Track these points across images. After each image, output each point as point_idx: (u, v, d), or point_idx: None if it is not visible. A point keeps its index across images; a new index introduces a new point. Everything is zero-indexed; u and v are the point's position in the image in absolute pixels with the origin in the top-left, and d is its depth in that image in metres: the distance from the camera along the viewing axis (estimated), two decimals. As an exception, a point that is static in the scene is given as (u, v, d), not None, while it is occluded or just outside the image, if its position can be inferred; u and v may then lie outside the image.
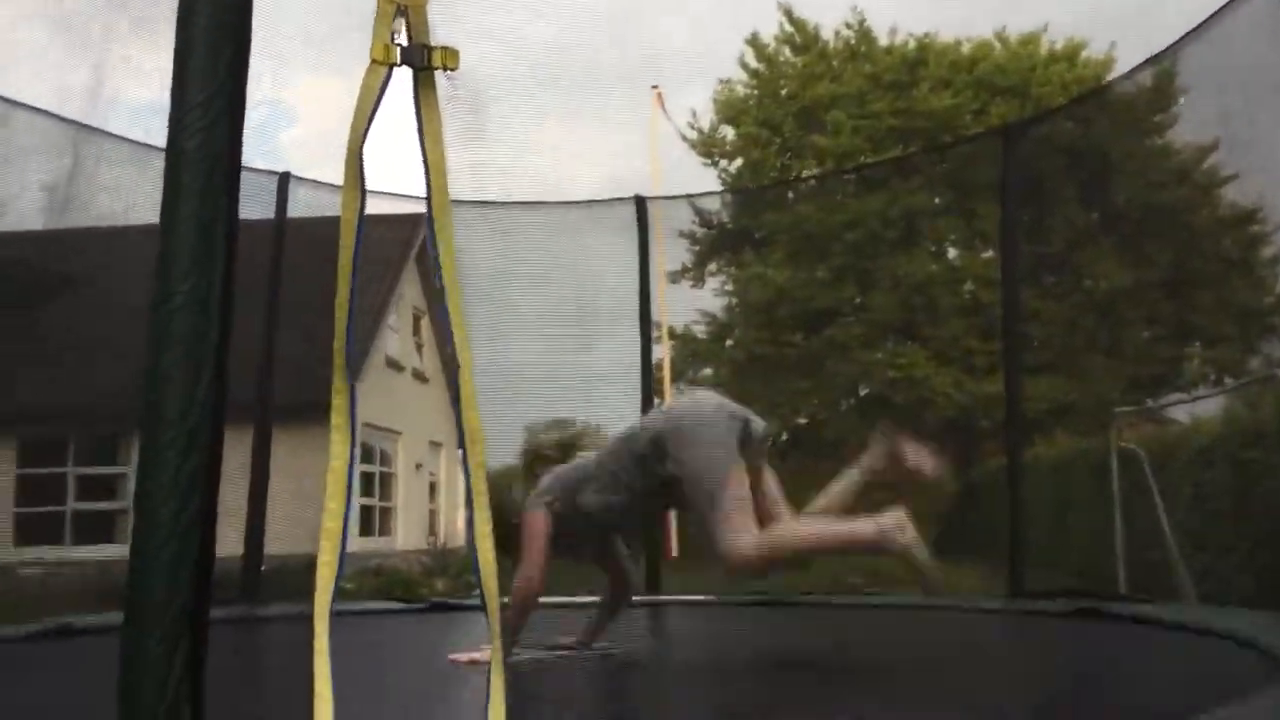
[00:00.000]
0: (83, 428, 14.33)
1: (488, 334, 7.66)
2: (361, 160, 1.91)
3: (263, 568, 7.88)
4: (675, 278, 16.73)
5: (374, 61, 1.89)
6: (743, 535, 3.74)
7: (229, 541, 6.28)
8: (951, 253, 21.83)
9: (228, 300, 1.77)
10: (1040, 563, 8.37)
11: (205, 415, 1.72)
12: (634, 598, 4.79)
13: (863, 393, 21.32)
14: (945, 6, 25.32)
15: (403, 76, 1.97)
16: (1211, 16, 6.04)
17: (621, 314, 8.41)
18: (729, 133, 23.39)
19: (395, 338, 18.64)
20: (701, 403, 4.13)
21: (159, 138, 1.84)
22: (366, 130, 1.91)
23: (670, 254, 11.71)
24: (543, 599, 4.15)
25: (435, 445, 20.96)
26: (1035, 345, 16.81)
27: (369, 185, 1.96)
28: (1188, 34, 6.35)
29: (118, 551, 11.11)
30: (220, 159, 1.80)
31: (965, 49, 22.18)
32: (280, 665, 5.19)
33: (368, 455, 17.22)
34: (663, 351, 9.91)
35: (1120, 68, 15.86)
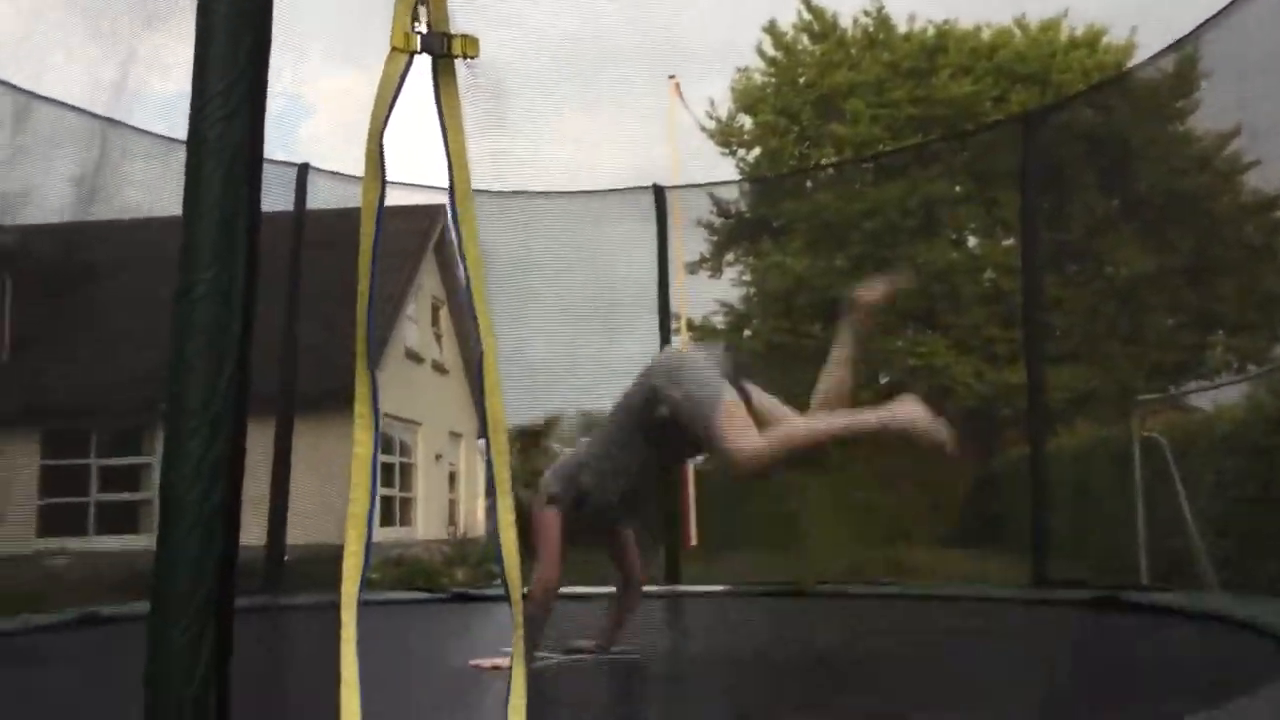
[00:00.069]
0: (105, 419, 14.43)
1: (507, 324, 7.67)
2: (382, 148, 1.91)
3: (285, 557, 7.93)
4: (693, 268, 16.70)
5: (394, 49, 1.89)
6: (744, 436, 3.79)
7: (251, 531, 6.31)
8: (972, 241, 21.72)
9: (250, 290, 1.78)
10: (1062, 552, 8.34)
11: (228, 405, 1.73)
12: (650, 588, 4.77)
13: (883, 381, 21.25)
14: (964, -7, 25.23)
15: (423, 66, 1.97)
16: (1233, 2, 5.99)
17: (640, 304, 8.41)
18: (747, 122, 23.32)
19: (414, 329, 18.68)
20: (683, 350, 4.29)
21: (183, 131, 1.84)
22: (387, 118, 1.91)
23: (688, 244, 11.71)
24: (561, 589, 4.14)
25: (455, 436, 21.02)
26: (1057, 333, 16.73)
27: (388, 175, 1.96)
28: (1209, 20, 6.30)
29: (141, 542, 11.20)
30: (241, 148, 1.80)
31: (985, 36, 22.05)
32: (304, 654, 5.22)
33: (388, 446, 17.27)
34: (681, 342, 9.88)
35: (1141, 54, 15.75)
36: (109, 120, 7.69)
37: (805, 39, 23.35)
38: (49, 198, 8.11)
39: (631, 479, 4.06)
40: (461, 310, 19.94)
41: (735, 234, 21.73)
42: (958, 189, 20.46)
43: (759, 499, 17.94)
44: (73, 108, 7.59)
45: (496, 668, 3.80)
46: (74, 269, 12.72)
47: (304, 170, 8.43)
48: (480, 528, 20.70)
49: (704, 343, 4.18)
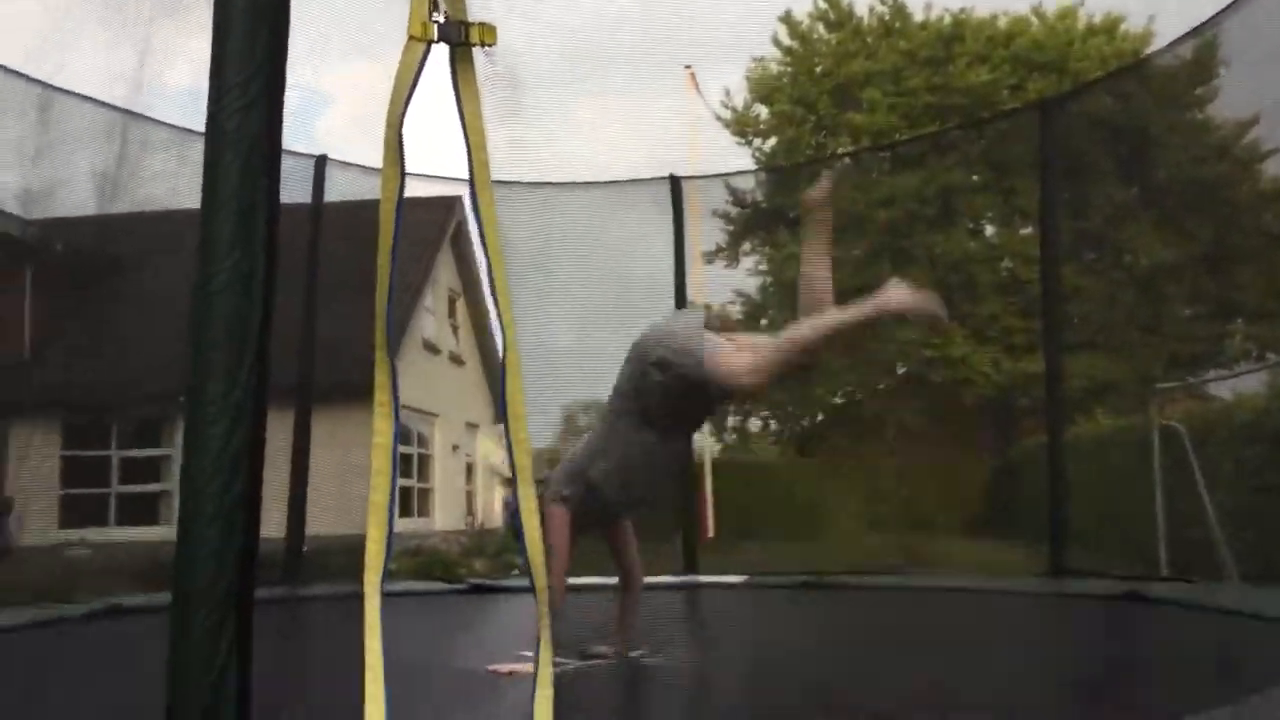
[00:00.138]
0: (126, 411, 14.50)
1: (525, 313, 7.68)
2: (401, 138, 1.91)
3: (304, 549, 7.96)
4: (710, 257, 16.68)
5: (412, 38, 1.89)
6: (737, 357, 3.86)
7: (270, 523, 6.35)
8: (989, 230, 21.62)
9: (269, 281, 1.79)
10: (1081, 541, 8.30)
11: (248, 395, 1.74)
12: (668, 579, 4.76)
13: (900, 372, 21.19)
14: (981, -20, 24.98)
15: (440, 56, 1.97)
16: (1253, -11, 5.95)
17: (657, 294, 8.41)
18: (763, 111, 23.25)
19: (431, 320, 18.71)
20: (660, 321, 4.22)
21: (202, 123, 1.85)
22: (405, 108, 1.91)
23: (705, 234, 11.69)
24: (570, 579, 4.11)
25: (471, 427, 21.06)
26: (1075, 322, 16.64)
27: (408, 167, 1.96)
28: (1228, 6, 6.26)
29: (162, 533, 11.26)
30: (259, 140, 1.81)
31: (1002, 24, 21.91)
32: (324, 644, 5.25)
33: (405, 437, 17.31)
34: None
35: (1159, 42, 15.63)
36: (129, 113, 7.73)
37: (821, 28, 23.25)
38: (71, 191, 8.17)
39: (636, 469, 4.02)
40: (478, 301, 19.97)
41: (751, 224, 21.67)
42: (975, 178, 20.36)
43: (777, 490, 17.95)
44: (95, 101, 7.64)
45: (514, 674, 3.76)
46: (96, 261, 12.78)
47: (322, 162, 8.46)
48: (497, 518, 20.77)
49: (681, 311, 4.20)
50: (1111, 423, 12.93)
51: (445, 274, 19.47)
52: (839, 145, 21.73)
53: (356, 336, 2.42)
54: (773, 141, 22.93)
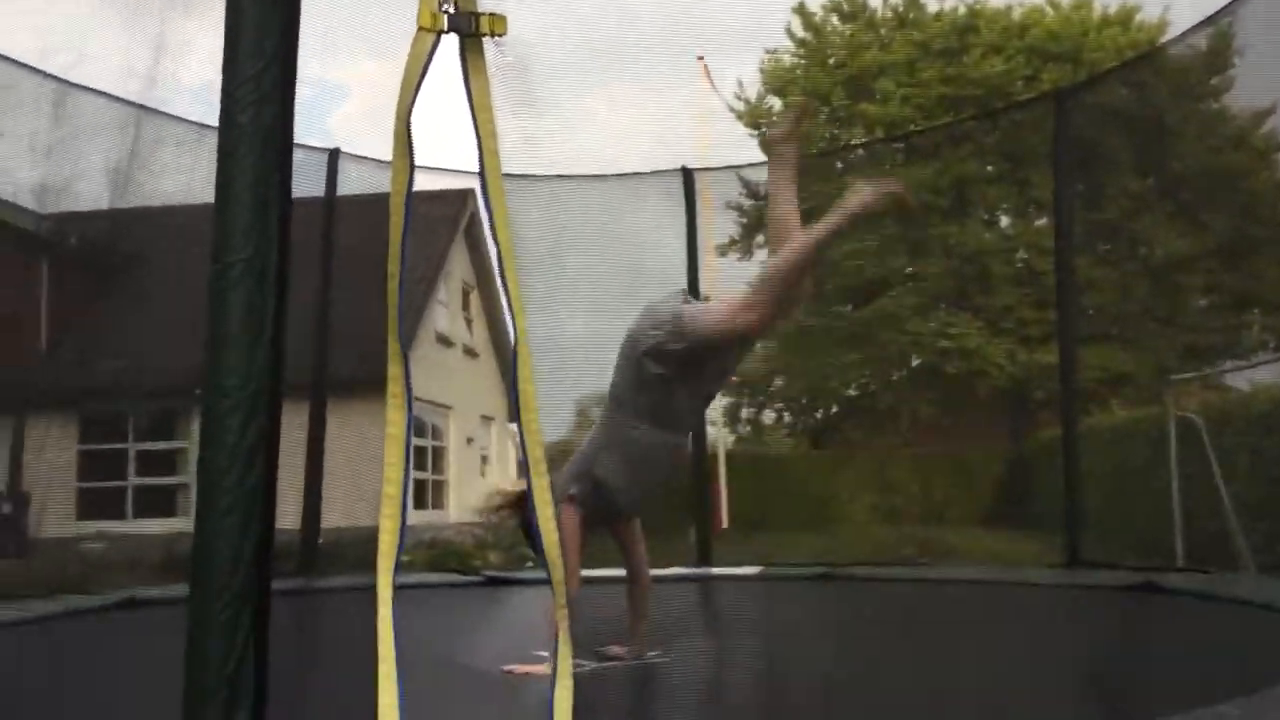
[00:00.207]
0: (142, 404, 14.57)
1: (537, 306, 7.68)
2: (410, 130, 1.92)
3: (320, 540, 8.00)
4: (723, 250, 16.63)
5: (421, 29, 1.89)
6: (722, 306, 3.93)
7: (285, 515, 6.37)
8: (1004, 221, 21.54)
9: (283, 273, 1.80)
10: (1097, 533, 8.29)
11: (263, 386, 1.75)
12: (682, 570, 4.73)
13: (914, 364, 21.15)
14: (995, -29, 24.84)
15: (450, 48, 1.97)
16: (1269, -25, 5.92)
17: (670, 286, 8.36)
18: (776, 103, 23.19)
19: (444, 313, 18.73)
20: (642, 313, 4.15)
21: (215, 117, 1.86)
22: (414, 99, 1.91)
23: (718, 226, 11.68)
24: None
25: (486, 420, 21.09)
26: (1090, 314, 16.58)
27: (418, 159, 1.96)
28: (1244, -6, 6.22)
29: (179, 525, 11.32)
30: (273, 133, 1.81)
31: (1016, 14, 21.80)
32: (340, 635, 5.27)
33: (420, 429, 17.35)
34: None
35: (1174, 31, 15.54)
36: (143, 108, 7.77)
37: (835, 19, 23.19)
38: (86, 186, 8.21)
39: (639, 465, 3.98)
40: (492, 294, 19.99)
41: (765, 216, 21.61)
42: (989, 169, 20.29)
43: (791, 482, 17.94)
44: (109, 96, 7.68)
45: (530, 674, 3.71)
46: (111, 255, 12.84)
47: (334, 155, 8.49)
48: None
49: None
50: (1127, 414, 12.89)
51: (458, 267, 19.48)
52: (853, 137, 21.66)
53: (371, 329, 2.43)
54: (786, 133, 22.84)
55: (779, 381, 22.30)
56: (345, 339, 8.21)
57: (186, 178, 7.88)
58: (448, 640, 4.86)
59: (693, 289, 8.43)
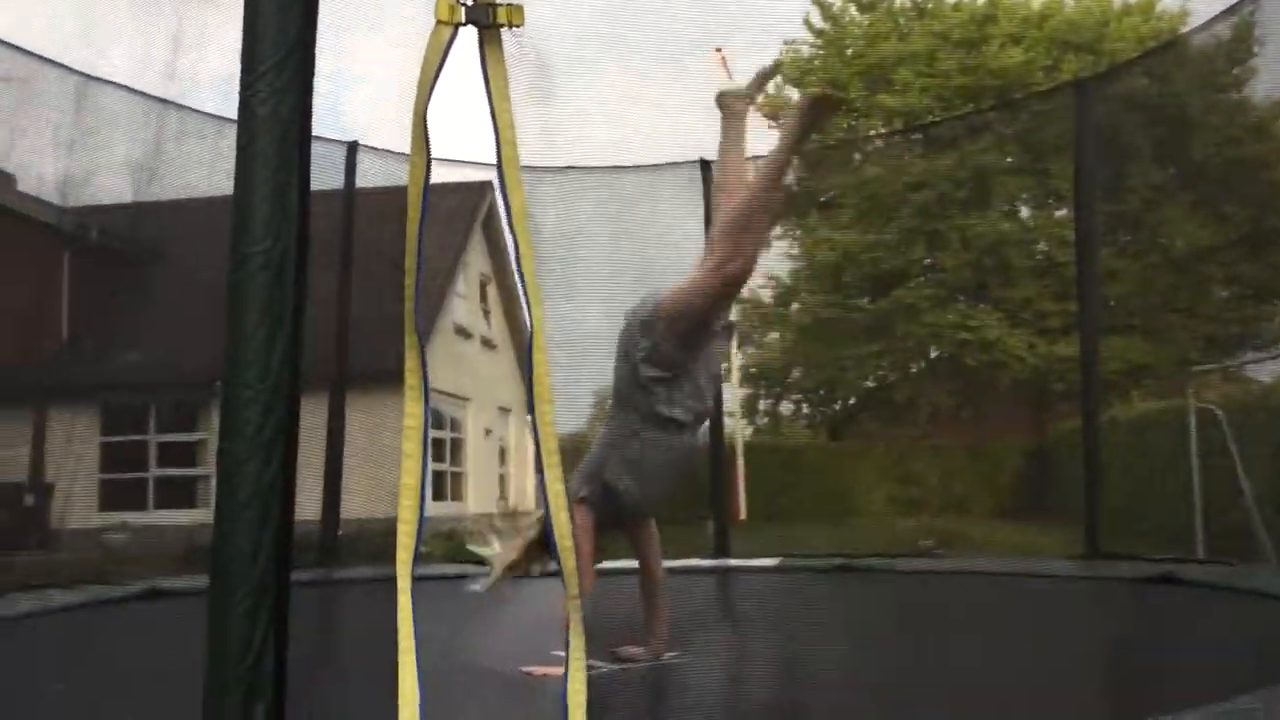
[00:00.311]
0: (163, 396, 14.67)
1: (553, 298, 7.68)
2: (427, 122, 1.92)
3: (340, 532, 8.03)
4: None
5: (439, 22, 1.89)
6: (701, 267, 3.91)
7: (305, 506, 6.40)
8: (1024, 212, 21.43)
9: (302, 265, 1.80)
10: (1117, 525, 8.25)
11: (282, 378, 1.76)
12: (699, 562, 4.69)
13: (933, 355, 21.08)
14: (1016, -40, 24.63)
15: (467, 40, 1.97)
16: (1293, -36, 5.87)
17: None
18: (794, 94, 23.11)
19: (463, 305, 18.77)
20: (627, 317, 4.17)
21: (234, 109, 1.87)
22: (431, 92, 1.91)
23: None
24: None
25: (504, 411, 21.13)
26: (1111, 305, 16.49)
27: (435, 152, 1.96)
28: (1268, -17, 6.17)
29: (199, 516, 11.39)
30: (291, 125, 1.82)
31: (1036, 4, 21.66)
32: (359, 626, 5.30)
33: (438, 421, 17.40)
34: (728, 316, 9.84)
35: (1195, 20, 15.42)
36: (164, 101, 7.80)
37: (853, 10, 23.09)
38: (107, 179, 8.25)
39: (648, 465, 3.92)
40: (509, 286, 20.01)
41: (782, 206, 21.56)
42: (1009, 159, 20.17)
43: (809, 474, 17.93)
44: (130, 90, 7.71)
45: (547, 676, 3.64)
46: (131, 248, 12.91)
47: (353, 148, 8.51)
48: (530, 502, 20.85)
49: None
50: (1148, 406, 12.82)
51: (476, 259, 19.52)
52: (871, 127, 21.58)
53: (389, 321, 2.43)
54: (804, 124, 22.75)
55: (797, 373, 22.27)
56: (364, 331, 8.24)
57: (207, 170, 7.92)
58: (465, 633, 4.87)
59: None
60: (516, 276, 1.99)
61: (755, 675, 4.10)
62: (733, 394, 9.90)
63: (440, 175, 2.00)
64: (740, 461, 9.24)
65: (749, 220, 3.84)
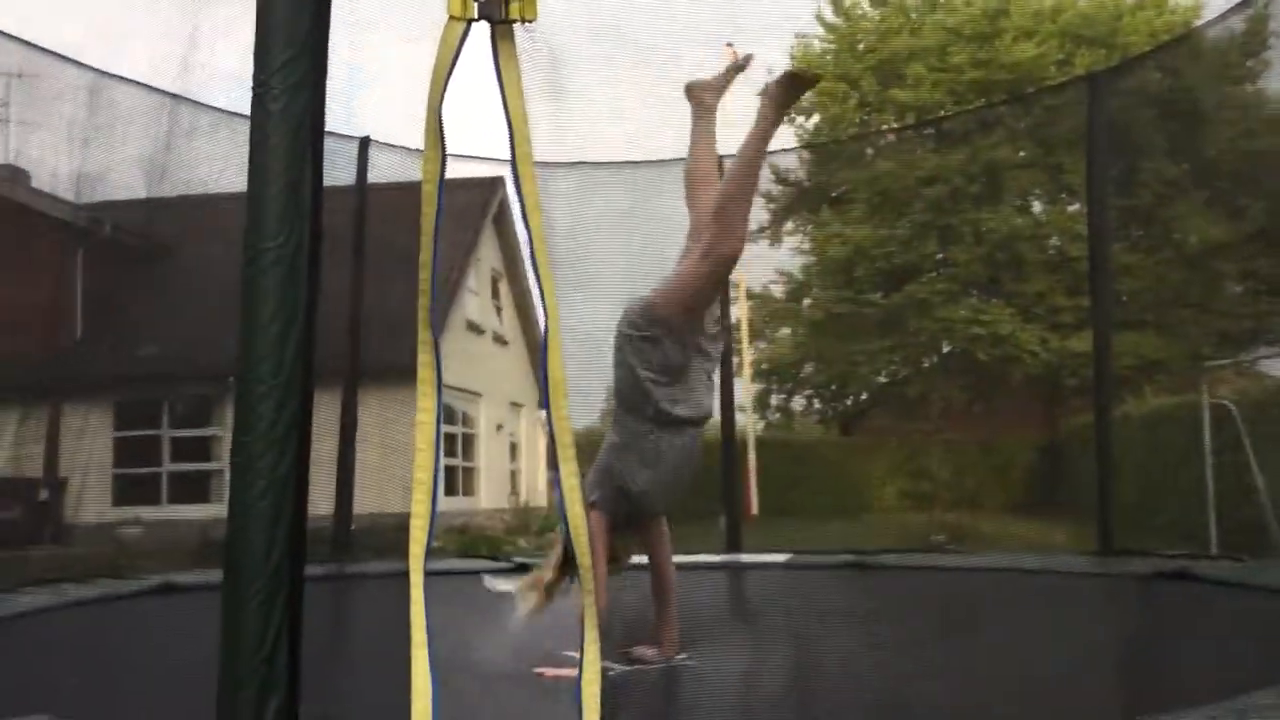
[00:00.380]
0: (176, 391, 14.73)
1: (565, 293, 7.66)
2: (441, 118, 1.92)
3: (353, 526, 8.05)
4: (752, 237, 16.55)
5: (452, 17, 1.89)
6: (689, 257, 3.94)
7: (318, 501, 6.41)
8: (1036, 207, 21.35)
9: (315, 260, 1.81)
10: (1130, 521, 8.23)
11: (295, 372, 1.76)
12: (711, 558, 4.66)
13: (945, 350, 21.03)
14: (1028, -46, 24.52)
15: (480, 36, 1.97)
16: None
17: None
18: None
19: (475, 300, 18.80)
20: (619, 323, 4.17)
21: (248, 105, 1.87)
22: (445, 88, 1.91)
23: (747, 213, 11.61)
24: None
25: (516, 406, 21.17)
26: (1124, 300, 16.43)
27: (449, 147, 1.97)
28: (1283, -25, 6.13)
29: (213, 511, 11.43)
30: (304, 120, 1.82)
31: (1048, -2, 21.60)
32: (372, 620, 5.31)
33: (450, 416, 17.44)
34: (740, 311, 9.85)
35: (1209, 13, 15.33)
36: (179, 97, 7.82)
37: (865, 4, 23.04)
38: (122, 175, 8.27)
39: (656, 465, 3.90)
40: (521, 282, 20.03)
41: (794, 202, 21.55)
42: (1022, 154, 20.11)
43: (821, 469, 17.91)
44: (145, 86, 7.73)
45: (560, 678, 3.60)
46: (145, 244, 12.96)
47: (365, 143, 8.52)
48: (541, 497, 20.89)
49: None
50: (1161, 401, 12.78)
51: (488, 254, 19.54)
52: (883, 122, 21.54)
53: (401, 316, 2.44)
54: (816, 119, 22.75)
55: (809, 368, 22.25)
56: (376, 326, 8.26)
57: (221, 166, 7.94)
58: (480, 626, 4.86)
59: (722, 275, 8.39)
60: (530, 271, 1.99)
61: (768, 675, 4.05)
62: (744, 390, 9.89)
63: (452, 170, 2.00)
64: (752, 457, 9.24)
65: (735, 201, 3.85)
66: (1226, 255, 17.06)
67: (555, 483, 1.96)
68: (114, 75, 7.66)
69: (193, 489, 14.58)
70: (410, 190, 2.08)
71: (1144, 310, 17.45)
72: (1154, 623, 4.68)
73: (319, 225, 1.84)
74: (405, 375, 2.12)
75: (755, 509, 9.45)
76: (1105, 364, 7.58)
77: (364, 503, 8.20)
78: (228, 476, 1.78)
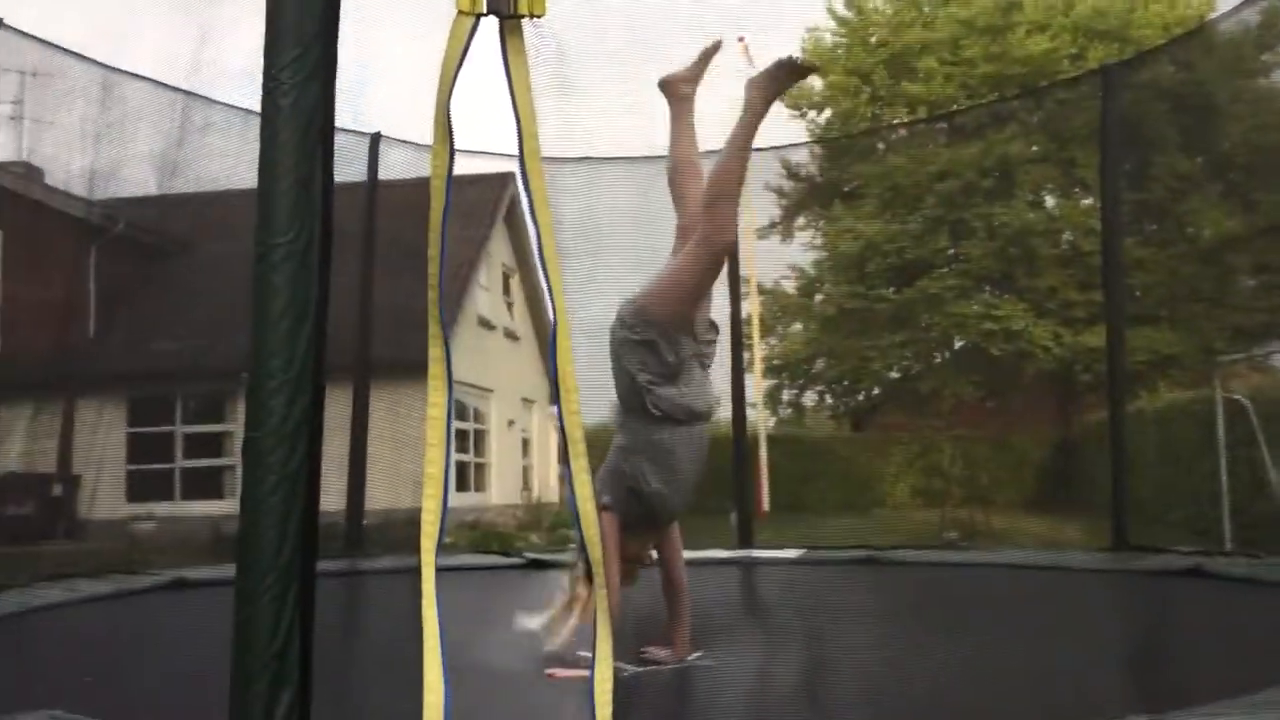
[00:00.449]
0: (189, 387, 14.78)
1: (573, 289, 7.65)
2: (449, 113, 1.92)
3: (364, 521, 8.07)
4: (764, 232, 16.53)
5: (461, 12, 1.89)
6: (685, 250, 3.89)
7: (330, 496, 6.43)
8: (1049, 201, 21.28)
9: (326, 254, 1.81)
10: (1144, 516, 8.20)
11: (307, 368, 1.76)
12: (722, 554, 4.64)
13: (958, 345, 20.98)
14: (1041, -53, 24.41)
15: (488, 31, 1.97)
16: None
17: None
18: (817, 83, 22.99)
19: (486, 296, 18.82)
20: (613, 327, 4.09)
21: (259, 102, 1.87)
22: (454, 82, 1.91)
23: (758, 208, 11.61)
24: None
25: (527, 402, 21.18)
26: (1137, 295, 16.38)
27: (458, 143, 1.97)
28: (1298, -33, 6.09)
29: (226, 507, 11.47)
30: (314, 116, 1.83)
31: (1061, -9, 21.49)
32: (384, 615, 5.32)
33: (461, 412, 17.47)
34: (751, 307, 9.83)
35: (1223, 6, 15.26)
36: (190, 94, 7.84)
37: (877, -3, 22.99)
38: (134, 171, 8.29)
39: (665, 465, 3.87)
40: (532, 278, 20.04)
41: (806, 197, 21.51)
42: (1034, 148, 20.03)
43: (833, 465, 17.90)
44: (156, 82, 7.75)
45: (571, 679, 3.55)
46: (158, 240, 13.00)
47: (376, 139, 8.53)
48: (553, 493, 20.91)
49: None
50: (1175, 396, 12.74)
51: (499, 250, 19.55)
52: (895, 116, 21.48)
53: (412, 312, 2.44)
54: (827, 113, 22.70)
55: (820, 364, 22.22)
56: (387, 322, 8.27)
57: (232, 162, 7.96)
58: (490, 627, 4.85)
59: (733, 271, 8.39)
60: (539, 266, 1.99)
61: (781, 674, 4.02)
62: (755, 385, 9.87)
63: (462, 166, 2.00)
64: (763, 453, 9.22)
65: (724, 194, 3.83)
66: (1240, 249, 16.97)
67: (567, 478, 1.96)
68: (126, 72, 7.68)
69: (205, 484, 14.62)
70: (421, 186, 2.07)
71: (1157, 305, 17.39)
72: (1168, 619, 4.67)
73: (330, 221, 1.84)
74: (416, 370, 2.12)
75: (767, 505, 9.45)
76: (1119, 359, 7.55)
77: (376, 498, 8.21)
78: (240, 472, 1.78)
